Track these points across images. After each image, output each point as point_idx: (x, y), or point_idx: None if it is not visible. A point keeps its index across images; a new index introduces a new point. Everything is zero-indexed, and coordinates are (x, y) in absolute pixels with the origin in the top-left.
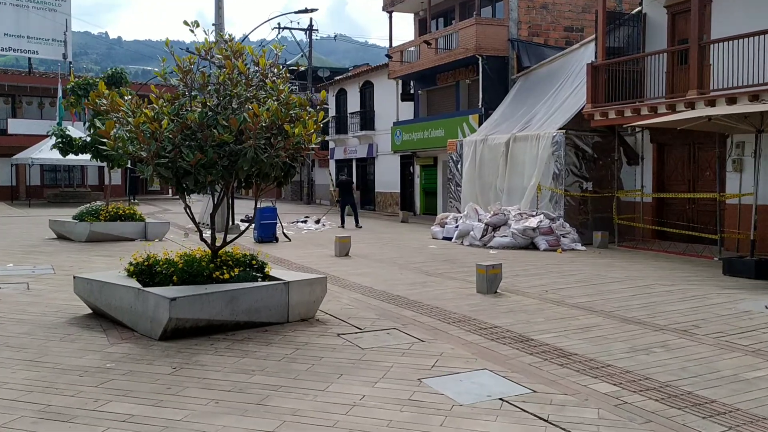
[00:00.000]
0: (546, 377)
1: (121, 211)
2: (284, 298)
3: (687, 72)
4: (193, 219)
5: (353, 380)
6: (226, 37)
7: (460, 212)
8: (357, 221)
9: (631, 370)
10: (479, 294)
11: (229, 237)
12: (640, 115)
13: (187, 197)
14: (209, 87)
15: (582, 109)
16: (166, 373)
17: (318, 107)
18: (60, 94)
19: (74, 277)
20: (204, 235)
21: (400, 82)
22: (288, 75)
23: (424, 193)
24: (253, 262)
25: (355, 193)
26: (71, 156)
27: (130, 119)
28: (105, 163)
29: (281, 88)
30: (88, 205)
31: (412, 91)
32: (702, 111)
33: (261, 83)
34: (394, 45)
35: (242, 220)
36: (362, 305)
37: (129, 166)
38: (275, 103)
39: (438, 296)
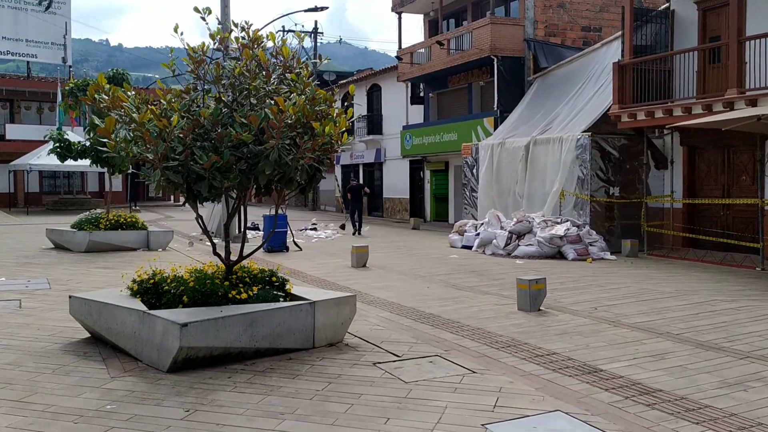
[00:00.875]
0: (636, 423)
1: (122, 220)
2: (309, 321)
3: (720, 71)
4: (206, 231)
5: (404, 427)
6: (242, 23)
7: (475, 219)
8: (360, 229)
9: (736, 413)
10: (521, 312)
11: (242, 249)
12: (672, 116)
13: (199, 206)
14: (224, 80)
15: (608, 110)
16: (177, 417)
17: (347, 103)
18: (59, 98)
19: (70, 297)
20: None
21: (409, 84)
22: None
23: (434, 199)
24: (273, 278)
25: (364, 199)
26: (70, 162)
27: (134, 115)
28: (105, 169)
29: (307, 80)
30: (87, 213)
31: (422, 94)
32: (752, 110)
33: (282, 76)
34: (402, 47)
35: (248, 228)
36: (394, 326)
37: (131, 171)
38: (302, 97)
39: (476, 314)
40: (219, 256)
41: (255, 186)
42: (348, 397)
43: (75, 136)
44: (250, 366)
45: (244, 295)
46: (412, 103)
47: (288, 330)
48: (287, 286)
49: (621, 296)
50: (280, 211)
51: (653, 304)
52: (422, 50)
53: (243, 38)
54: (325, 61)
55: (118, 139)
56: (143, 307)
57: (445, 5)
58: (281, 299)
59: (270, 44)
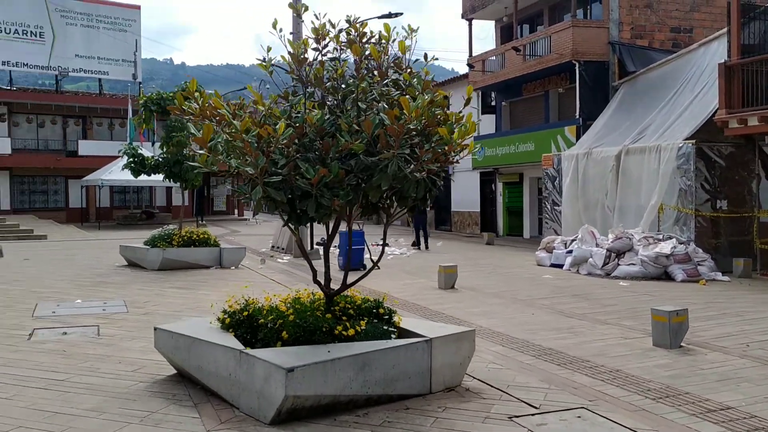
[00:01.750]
0: None
1: (194, 236)
2: (426, 361)
3: None
4: (305, 255)
5: None
6: (346, 18)
7: (558, 234)
8: (426, 243)
9: None
10: (660, 348)
11: (346, 276)
12: None
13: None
14: (327, 83)
15: (712, 116)
16: None
17: (463, 107)
18: (130, 114)
19: (155, 329)
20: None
21: (479, 93)
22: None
23: (507, 212)
24: (380, 309)
25: (429, 213)
26: (142, 176)
27: (235, 122)
28: (178, 184)
29: (426, 79)
30: (160, 229)
31: (493, 103)
32: None
33: (394, 76)
34: (461, 54)
35: (318, 244)
36: (513, 364)
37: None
38: (426, 98)
39: (605, 351)
40: (318, 283)
41: (362, 204)
42: None
43: (146, 151)
44: (363, 418)
45: (351, 331)
46: (482, 113)
47: (402, 373)
48: (395, 319)
49: None
50: (355, 227)
51: None
52: (494, 57)
53: (349, 33)
54: (432, 61)
55: (217, 149)
56: (239, 345)
57: (519, 9)
58: (392, 335)
59: (371, 41)
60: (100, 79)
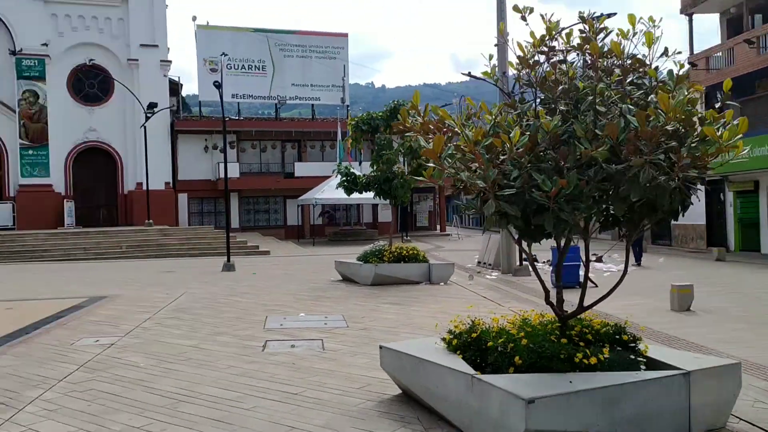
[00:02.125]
0: None
1: (404, 252)
2: (684, 399)
3: None
4: (541, 280)
5: None
6: (579, 15)
7: None
8: (639, 259)
9: None
10: None
11: (583, 296)
12: None
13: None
14: (559, 87)
15: None
16: None
17: (721, 103)
18: (339, 136)
19: (381, 348)
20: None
21: (703, 94)
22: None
23: (739, 224)
24: (623, 336)
25: None
26: (353, 194)
27: (468, 132)
28: (387, 201)
29: (681, 74)
30: (371, 245)
31: (718, 104)
32: None
33: (639, 75)
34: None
35: (525, 260)
36: None
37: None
38: (686, 93)
39: None
40: (552, 305)
41: (604, 217)
42: None
43: (356, 170)
44: None
45: (593, 360)
46: None
47: (655, 411)
48: (641, 347)
49: None
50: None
51: None
52: (719, 53)
53: (583, 31)
54: (674, 55)
55: (448, 162)
56: (470, 369)
57: None
58: (641, 366)
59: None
60: (312, 105)
